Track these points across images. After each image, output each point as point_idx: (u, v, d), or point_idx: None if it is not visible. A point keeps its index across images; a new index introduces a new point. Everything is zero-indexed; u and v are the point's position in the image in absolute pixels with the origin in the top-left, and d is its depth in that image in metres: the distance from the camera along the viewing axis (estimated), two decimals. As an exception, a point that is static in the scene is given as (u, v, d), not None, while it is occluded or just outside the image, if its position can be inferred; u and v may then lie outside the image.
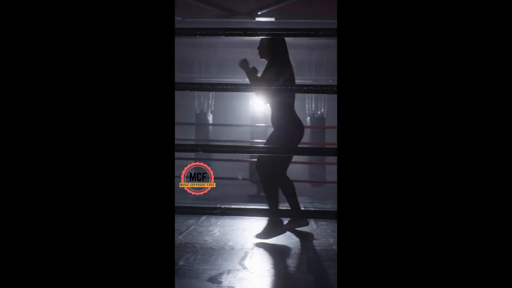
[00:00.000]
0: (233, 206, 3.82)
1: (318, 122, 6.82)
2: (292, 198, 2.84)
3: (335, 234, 2.67)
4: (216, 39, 6.40)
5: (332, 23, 2.56)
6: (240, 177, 5.54)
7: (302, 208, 3.46)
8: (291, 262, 2.32)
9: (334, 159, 1.65)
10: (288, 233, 2.83)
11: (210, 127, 6.86)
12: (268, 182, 2.79)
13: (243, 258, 2.30)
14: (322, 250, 2.54)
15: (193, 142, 6.34)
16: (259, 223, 3.18)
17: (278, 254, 2.43)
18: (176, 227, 2.93)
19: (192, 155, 5.21)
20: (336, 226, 1.96)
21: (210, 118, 6.93)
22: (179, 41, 5.67)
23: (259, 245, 2.61)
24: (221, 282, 1.86)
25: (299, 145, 2.92)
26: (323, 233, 2.98)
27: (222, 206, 1.75)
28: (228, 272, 2.02)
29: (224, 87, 1.74)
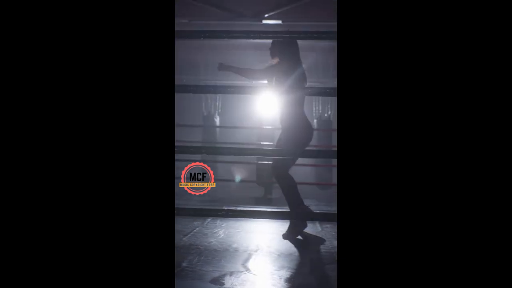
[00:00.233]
0: (238, 208, 3.83)
1: (325, 125, 6.81)
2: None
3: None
4: (222, 42, 6.41)
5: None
6: (237, 180, 5.53)
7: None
8: (294, 264, 2.31)
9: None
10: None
11: (217, 129, 6.88)
12: (285, 182, 2.81)
13: (247, 260, 2.30)
14: (326, 253, 2.53)
15: (200, 144, 6.36)
16: (264, 225, 3.18)
17: (281, 256, 2.43)
18: (181, 229, 2.95)
19: (198, 157, 5.23)
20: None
21: (217, 120, 6.96)
22: (185, 44, 5.71)
23: (263, 247, 2.61)
24: (223, 284, 1.87)
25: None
26: (328, 236, 2.97)
27: (226, 208, 1.75)
28: (231, 274, 2.03)
29: (227, 89, 1.76)
